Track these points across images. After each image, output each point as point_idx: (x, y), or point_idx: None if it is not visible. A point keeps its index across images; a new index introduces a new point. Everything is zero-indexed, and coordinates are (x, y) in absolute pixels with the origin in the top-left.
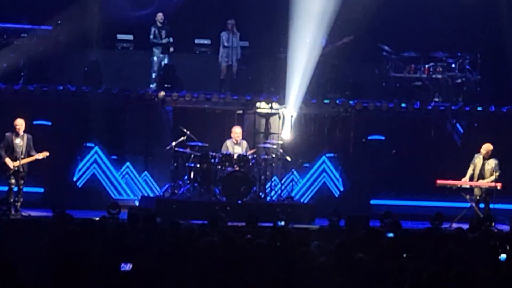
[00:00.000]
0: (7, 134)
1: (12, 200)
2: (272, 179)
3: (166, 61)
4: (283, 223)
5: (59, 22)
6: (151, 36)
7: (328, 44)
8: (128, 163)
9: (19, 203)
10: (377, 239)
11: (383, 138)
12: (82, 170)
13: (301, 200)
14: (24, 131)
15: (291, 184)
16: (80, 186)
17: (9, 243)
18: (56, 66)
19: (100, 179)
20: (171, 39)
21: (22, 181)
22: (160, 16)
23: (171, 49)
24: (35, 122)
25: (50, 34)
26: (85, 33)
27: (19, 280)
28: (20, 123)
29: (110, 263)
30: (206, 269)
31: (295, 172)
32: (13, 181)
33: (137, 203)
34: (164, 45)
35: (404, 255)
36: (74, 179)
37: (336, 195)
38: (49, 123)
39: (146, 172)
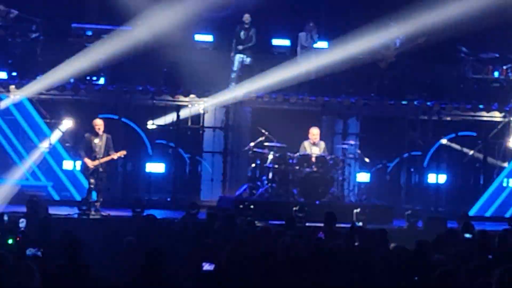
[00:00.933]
0: (86, 134)
1: (91, 200)
2: (351, 180)
3: (247, 61)
4: (361, 223)
5: (139, 22)
6: (234, 39)
7: (402, 45)
8: (204, 163)
9: (99, 203)
10: (454, 240)
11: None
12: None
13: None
14: (104, 131)
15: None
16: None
17: (89, 243)
18: (136, 66)
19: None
20: (253, 40)
21: (101, 181)
22: (246, 16)
23: (240, 47)
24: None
25: (130, 35)
26: (164, 34)
27: (98, 280)
28: (99, 123)
29: (192, 262)
30: (283, 269)
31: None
32: (92, 180)
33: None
34: (245, 46)
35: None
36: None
37: None
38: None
39: None
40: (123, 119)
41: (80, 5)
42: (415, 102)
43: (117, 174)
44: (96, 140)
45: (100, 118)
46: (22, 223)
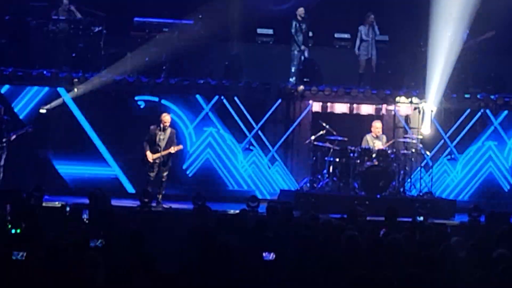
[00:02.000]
0: (151, 127)
1: (153, 192)
2: (412, 174)
3: (306, 55)
4: (422, 218)
5: (200, 16)
6: (292, 30)
7: (470, 39)
8: (255, 151)
9: (160, 195)
10: None
11: None
12: (193, 156)
13: (460, 198)
14: (170, 125)
15: (430, 178)
16: (190, 175)
17: (151, 235)
18: (197, 60)
19: (216, 167)
20: (311, 33)
21: (164, 173)
22: (301, 10)
23: (310, 42)
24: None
25: (191, 28)
26: (226, 27)
27: (160, 272)
28: (166, 119)
29: (252, 254)
30: (345, 263)
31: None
32: (152, 174)
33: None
34: (304, 39)
35: None
36: (184, 167)
37: (506, 190)
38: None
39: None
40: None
41: None
42: (478, 96)
43: (178, 168)
44: (161, 134)
45: (168, 113)
46: (85, 214)
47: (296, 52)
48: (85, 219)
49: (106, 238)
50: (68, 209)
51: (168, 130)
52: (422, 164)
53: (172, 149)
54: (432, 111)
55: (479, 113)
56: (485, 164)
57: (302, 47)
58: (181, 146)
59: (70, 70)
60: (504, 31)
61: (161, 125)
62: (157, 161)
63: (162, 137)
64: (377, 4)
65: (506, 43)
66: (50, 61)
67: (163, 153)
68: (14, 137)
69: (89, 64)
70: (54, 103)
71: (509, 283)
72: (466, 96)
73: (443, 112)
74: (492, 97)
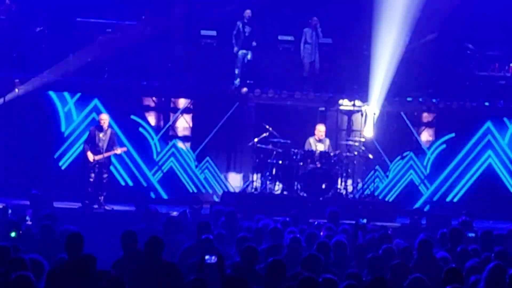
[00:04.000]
0: (91, 128)
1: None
2: (354, 177)
3: (249, 57)
4: (365, 220)
5: (143, 17)
6: (235, 32)
7: (412, 42)
8: (207, 158)
9: (102, 197)
10: (458, 239)
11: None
12: (159, 163)
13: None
14: (109, 126)
15: (373, 181)
16: (157, 180)
17: (92, 237)
18: (140, 61)
19: (177, 173)
20: (254, 43)
21: (105, 175)
22: (248, 12)
23: (254, 43)
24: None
25: (134, 29)
26: (169, 29)
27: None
28: (104, 118)
29: (194, 254)
30: (288, 265)
31: (379, 169)
32: (92, 174)
33: (215, 199)
34: (248, 41)
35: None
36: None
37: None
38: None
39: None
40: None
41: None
42: (420, 99)
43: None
44: (101, 135)
45: (105, 113)
46: (28, 215)
47: (240, 54)
48: (28, 222)
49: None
50: (10, 211)
51: (108, 131)
52: (364, 167)
53: (118, 150)
54: (374, 114)
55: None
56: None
57: (245, 49)
58: (125, 148)
59: (11, 71)
60: (446, 35)
61: (100, 125)
62: (97, 162)
63: (103, 138)
64: (321, 7)
65: (448, 46)
66: None
67: (106, 154)
68: None
69: (30, 65)
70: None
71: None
72: (408, 99)
73: (386, 115)
74: (433, 100)
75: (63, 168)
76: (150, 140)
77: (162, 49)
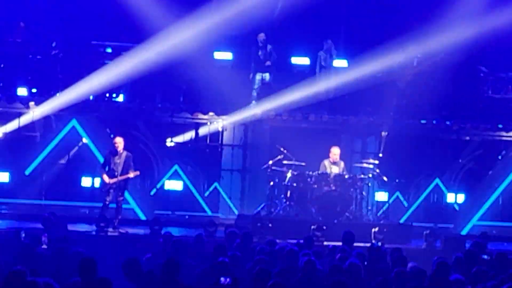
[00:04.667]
0: (106, 151)
1: (109, 217)
2: (368, 199)
3: (267, 79)
4: (379, 243)
5: (158, 40)
6: (253, 59)
7: (420, 63)
8: (216, 183)
9: (117, 220)
10: (472, 261)
11: None
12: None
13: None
14: (124, 149)
15: (387, 204)
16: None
17: (106, 260)
18: (155, 84)
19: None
20: (269, 63)
21: (120, 198)
22: (261, 35)
23: (268, 63)
24: None
25: (149, 52)
26: (183, 52)
27: None
28: (118, 141)
29: (209, 277)
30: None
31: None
32: (108, 198)
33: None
34: (262, 64)
35: None
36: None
37: None
38: None
39: None
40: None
41: (100, 23)
42: (434, 121)
43: (135, 192)
44: (116, 158)
45: (120, 136)
46: (44, 239)
47: (256, 77)
48: (44, 244)
49: (61, 264)
50: (23, 235)
51: (124, 154)
52: (378, 189)
53: (131, 174)
54: (388, 136)
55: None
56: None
57: (263, 72)
58: (138, 172)
59: (27, 93)
60: (459, 57)
61: (115, 149)
62: (113, 186)
63: (118, 161)
64: (336, 30)
65: (461, 69)
66: (6, 84)
67: (121, 178)
68: None
69: (45, 87)
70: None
71: None
72: (422, 122)
73: (400, 138)
74: (447, 123)
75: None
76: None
77: (177, 72)
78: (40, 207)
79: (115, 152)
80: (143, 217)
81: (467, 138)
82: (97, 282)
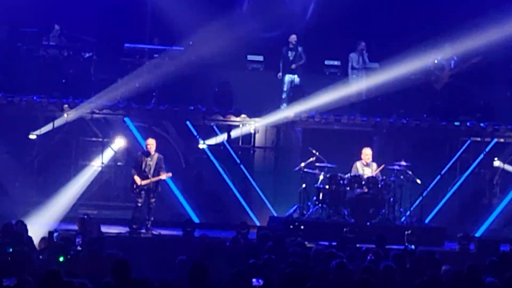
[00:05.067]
0: (138, 153)
1: (142, 218)
2: (401, 202)
3: (296, 81)
4: (413, 246)
5: (190, 42)
6: (281, 59)
7: (457, 65)
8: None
9: (149, 222)
10: (508, 264)
11: None
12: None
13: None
14: (155, 151)
15: (420, 206)
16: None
17: (139, 262)
18: (187, 86)
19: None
20: (294, 66)
21: (152, 200)
22: (293, 37)
23: (293, 66)
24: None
25: (181, 55)
26: (216, 54)
27: None
28: (151, 143)
29: (242, 279)
30: None
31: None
32: (140, 199)
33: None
34: (297, 64)
35: None
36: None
37: None
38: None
39: None
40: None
41: (133, 25)
42: (468, 123)
43: (168, 194)
44: (148, 160)
45: (152, 137)
46: (78, 240)
47: (286, 79)
48: (77, 247)
49: (95, 265)
50: (56, 235)
51: (155, 156)
52: (411, 192)
53: (163, 176)
54: (419, 138)
55: (469, 141)
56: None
57: (292, 74)
58: (170, 174)
59: (60, 96)
60: (494, 59)
61: (147, 150)
62: (145, 187)
63: (150, 163)
64: (367, 31)
65: (495, 71)
66: (40, 87)
67: (153, 179)
68: None
69: (79, 90)
70: (44, 129)
71: None
72: (456, 123)
73: (433, 139)
74: (481, 125)
75: None
76: None
77: (209, 74)
78: (74, 207)
79: (147, 154)
80: (196, 219)
81: (502, 140)
82: (130, 284)
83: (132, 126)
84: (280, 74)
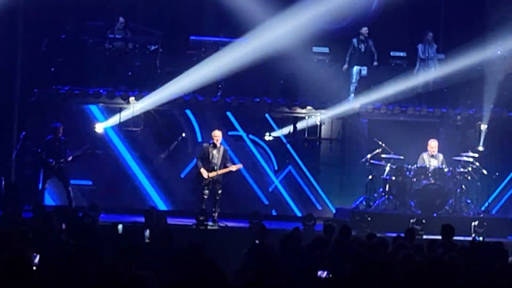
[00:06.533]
0: (204, 144)
1: (208, 210)
2: (468, 193)
3: (364, 73)
4: (481, 238)
5: (256, 35)
6: (350, 50)
7: None
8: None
9: (216, 214)
10: None
11: None
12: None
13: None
14: (221, 143)
15: (487, 197)
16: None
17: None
18: (252, 78)
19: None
20: (374, 51)
21: (219, 191)
22: (365, 29)
23: (375, 63)
24: (230, 133)
25: (247, 47)
26: (281, 46)
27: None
28: (218, 135)
29: (307, 271)
30: (401, 282)
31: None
32: (206, 191)
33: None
34: (362, 58)
35: None
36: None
37: None
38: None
39: None
40: (250, 136)
41: (198, 18)
42: None
43: (233, 185)
44: (214, 152)
45: (219, 129)
46: (147, 232)
47: (354, 70)
48: (146, 239)
49: (165, 257)
50: (120, 227)
51: (221, 148)
52: (479, 183)
53: (234, 167)
54: (486, 129)
55: None
56: None
57: (361, 66)
58: (241, 165)
59: (127, 89)
60: None
61: (213, 142)
62: (211, 179)
63: (216, 155)
64: (434, 23)
65: None
66: (106, 80)
67: (221, 171)
68: (70, 158)
69: (145, 83)
70: (110, 121)
71: None
72: None
73: (501, 131)
74: None
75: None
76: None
77: (274, 66)
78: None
79: (213, 146)
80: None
81: None
82: (201, 273)
83: (193, 118)
84: (345, 66)
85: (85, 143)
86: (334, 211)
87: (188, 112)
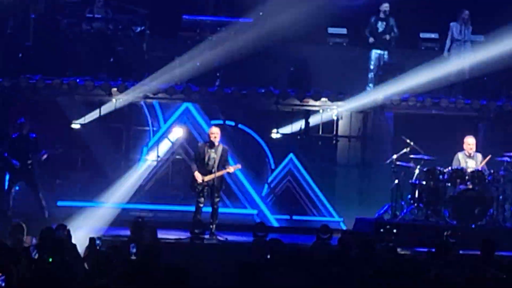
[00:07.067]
0: (199, 144)
1: (205, 222)
2: None
3: (386, 58)
4: None
5: (261, 13)
6: (368, 29)
7: None
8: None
9: (214, 225)
10: None
11: None
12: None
13: None
14: (220, 141)
15: None
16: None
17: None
18: (257, 65)
19: (295, 193)
20: (396, 31)
21: (216, 200)
22: (385, 6)
23: (387, 37)
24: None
25: (250, 28)
26: (291, 27)
27: None
28: (215, 132)
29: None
30: None
31: None
32: (202, 199)
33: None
34: (384, 40)
35: None
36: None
37: None
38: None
39: None
40: (240, 126)
41: None
42: None
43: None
44: (211, 152)
45: (216, 125)
46: (132, 248)
47: (372, 55)
48: (131, 255)
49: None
50: (98, 242)
51: (220, 147)
52: None
53: (231, 169)
54: None
55: None
56: None
57: (381, 50)
58: (239, 166)
59: (108, 78)
60: None
61: (210, 141)
62: (208, 183)
63: (213, 156)
64: (470, 1)
65: None
66: (84, 68)
67: (218, 174)
68: (45, 156)
69: (129, 71)
70: (88, 117)
71: None
72: None
73: None
74: None
75: None
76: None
77: (283, 51)
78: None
79: (211, 145)
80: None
81: None
82: None
83: (196, 112)
84: (371, 39)
85: (59, 142)
86: (353, 221)
87: (188, 105)
